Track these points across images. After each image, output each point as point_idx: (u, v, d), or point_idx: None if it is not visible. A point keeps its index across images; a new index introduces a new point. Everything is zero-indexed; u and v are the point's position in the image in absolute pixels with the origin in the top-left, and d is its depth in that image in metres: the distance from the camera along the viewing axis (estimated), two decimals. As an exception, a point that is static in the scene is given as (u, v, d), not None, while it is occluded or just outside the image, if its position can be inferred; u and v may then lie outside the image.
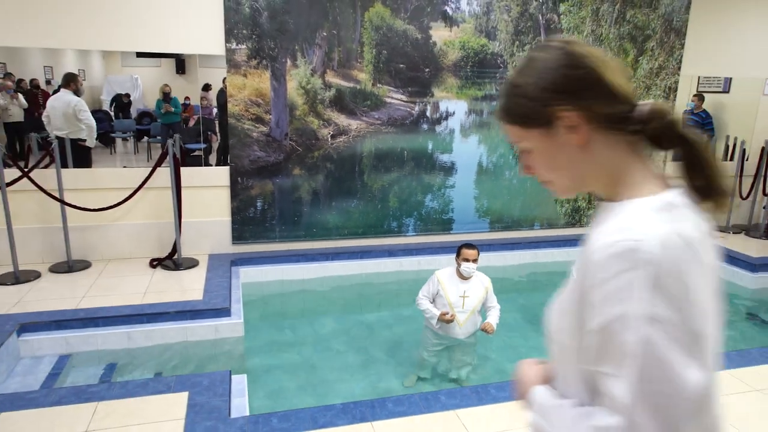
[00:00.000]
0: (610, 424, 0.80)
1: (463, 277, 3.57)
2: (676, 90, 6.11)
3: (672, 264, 0.79)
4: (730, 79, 6.77)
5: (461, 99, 5.60)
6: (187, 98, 5.49)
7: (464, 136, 5.67)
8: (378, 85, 5.30)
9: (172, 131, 5.55)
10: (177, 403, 2.75)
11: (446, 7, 5.31)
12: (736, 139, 6.76)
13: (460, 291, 3.55)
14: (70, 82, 4.83)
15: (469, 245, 3.56)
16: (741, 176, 6.44)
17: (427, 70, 5.41)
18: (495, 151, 5.78)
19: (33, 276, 4.40)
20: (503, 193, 5.88)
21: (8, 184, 4.28)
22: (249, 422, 2.62)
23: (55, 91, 4.93)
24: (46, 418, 2.59)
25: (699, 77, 7.15)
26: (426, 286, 3.66)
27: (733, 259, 5.51)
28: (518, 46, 5.57)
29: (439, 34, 5.36)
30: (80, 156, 4.96)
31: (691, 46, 6.02)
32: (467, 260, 3.51)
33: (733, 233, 6.46)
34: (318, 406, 2.80)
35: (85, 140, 5.00)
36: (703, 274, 0.82)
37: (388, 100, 5.37)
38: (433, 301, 3.62)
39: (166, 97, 5.35)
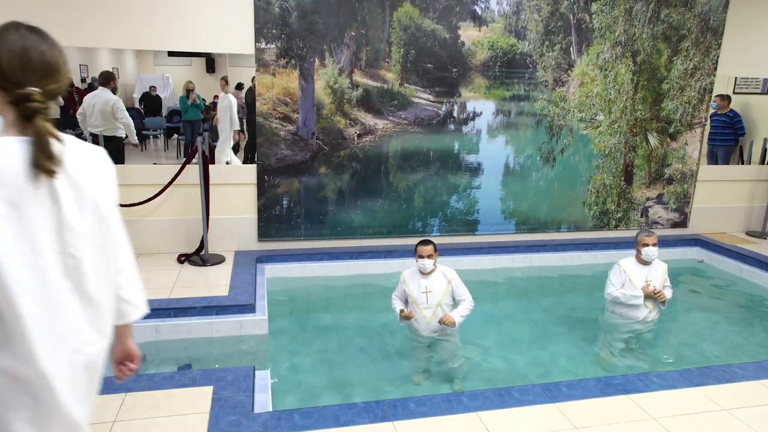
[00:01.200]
0: None
1: (423, 273, 3.65)
2: (711, 91, 5.95)
3: None
4: (769, 80, 6.57)
5: (489, 99, 5.55)
6: (216, 97, 5.57)
7: (491, 137, 5.62)
8: (405, 84, 5.29)
9: (195, 128, 5.66)
10: (202, 396, 2.79)
11: (475, 7, 5.27)
12: (774, 142, 6.55)
13: (422, 287, 3.65)
14: (109, 80, 4.95)
15: (423, 242, 3.67)
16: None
17: (454, 70, 5.38)
18: (522, 153, 5.72)
19: (66, 268, 4.52)
20: (530, 195, 5.81)
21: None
22: (272, 418, 2.64)
23: (87, 89, 5.07)
24: (77, 407, 2.66)
25: (736, 78, 6.96)
26: (398, 286, 3.81)
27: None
28: (548, 46, 5.50)
29: (468, 33, 5.32)
30: (113, 152, 5.09)
31: (728, 46, 5.85)
32: (422, 257, 3.62)
33: (770, 240, 6.26)
34: (340, 404, 2.81)
35: (122, 137, 5.12)
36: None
37: (415, 99, 5.36)
38: (406, 302, 3.75)
39: (189, 94, 5.45)
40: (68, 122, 5.14)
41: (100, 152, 1.50)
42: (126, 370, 1.71)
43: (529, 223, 5.87)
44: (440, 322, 3.53)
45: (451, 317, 3.52)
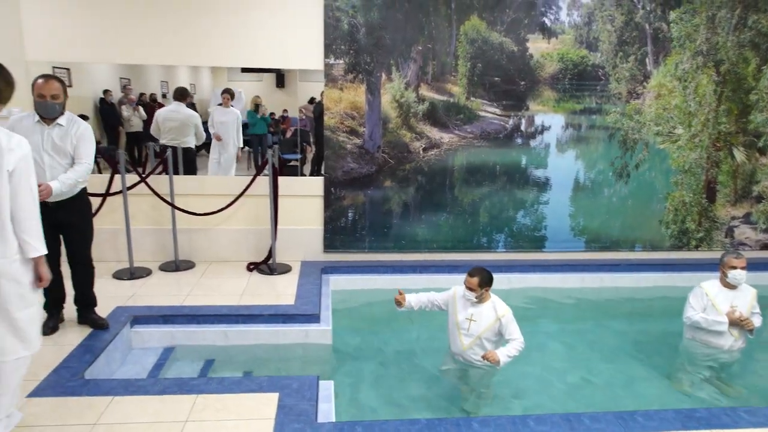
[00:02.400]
0: None
1: (475, 302, 3.47)
2: (805, 103, 5.51)
3: None
4: None
5: (558, 112, 5.41)
6: (284, 111, 5.75)
7: (560, 151, 5.46)
8: (472, 98, 5.26)
9: (262, 142, 5.86)
10: (267, 403, 2.85)
11: (545, 19, 5.17)
12: None
13: (468, 313, 3.48)
14: (185, 96, 5.22)
15: (471, 271, 3.47)
16: None
17: (522, 83, 5.29)
18: (593, 167, 5.51)
19: (145, 273, 4.78)
20: (601, 212, 5.58)
21: (128, 188, 4.70)
22: (335, 428, 2.66)
23: (160, 104, 5.36)
24: (152, 405, 2.79)
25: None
26: (443, 294, 3.67)
27: None
28: (622, 57, 5.30)
29: (537, 46, 5.23)
30: (188, 163, 5.34)
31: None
32: (467, 287, 3.44)
33: None
34: (403, 419, 2.78)
35: (194, 149, 5.37)
36: None
37: (482, 113, 5.31)
38: (440, 309, 3.65)
39: (257, 108, 5.64)
40: (150, 135, 5.44)
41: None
42: (39, 285, 2.44)
43: (601, 241, 5.64)
44: (483, 357, 3.31)
45: (497, 356, 3.26)
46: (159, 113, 5.22)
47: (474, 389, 3.50)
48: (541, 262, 5.48)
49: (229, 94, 5.40)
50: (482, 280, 3.41)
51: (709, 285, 3.90)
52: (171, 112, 5.20)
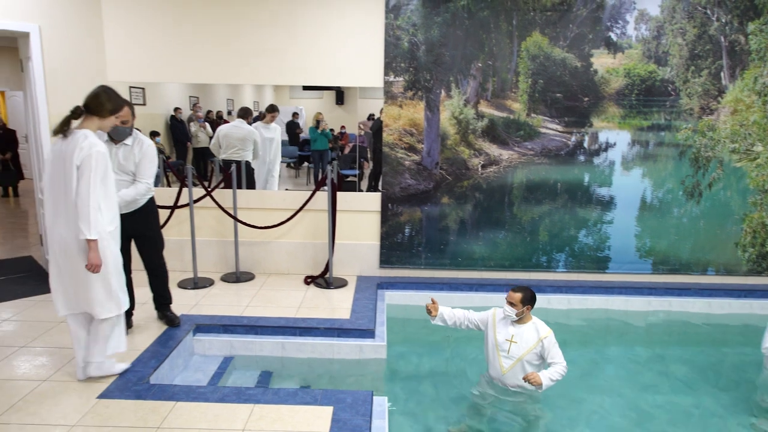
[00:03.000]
0: None
1: (515, 321, 3.36)
2: None
3: None
4: None
5: (624, 129, 5.22)
6: (342, 127, 5.86)
7: (626, 169, 5.26)
8: (532, 114, 5.17)
9: (323, 157, 5.98)
10: (322, 416, 2.86)
11: (610, 33, 5.03)
12: None
13: (508, 334, 3.37)
14: (247, 115, 5.43)
15: (515, 288, 3.38)
16: None
17: (586, 99, 5.15)
18: (662, 186, 5.27)
19: (208, 283, 4.96)
20: (670, 233, 5.31)
21: (195, 201, 4.91)
22: (388, 446, 2.63)
23: (225, 121, 5.58)
24: (212, 412, 2.86)
25: None
26: (481, 314, 3.59)
27: None
28: (694, 72, 5.06)
29: (602, 61, 5.08)
30: (250, 178, 5.53)
31: None
32: (508, 301, 3.36)
33: None
34: (457, 439, 2.72)
35: (250, 162, 5.57)
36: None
37: (543, 130, 5.21)
38: (478, 329, 3.59)
39: (318, 124, 5.77)
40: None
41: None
42: (87, 267, 2.84)
43: (669, 264, 5.35)
44: (525, 379, 3.19)
45: (539, 378, 3.15)
46: (221, 129, 5.45)
47: (514, 416, 3.38)
48: (604, 283, 5.27)
49: (275, 111, 5.55)
50: (525, 297, 3.34)
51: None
52: (233, 128, 5.42)
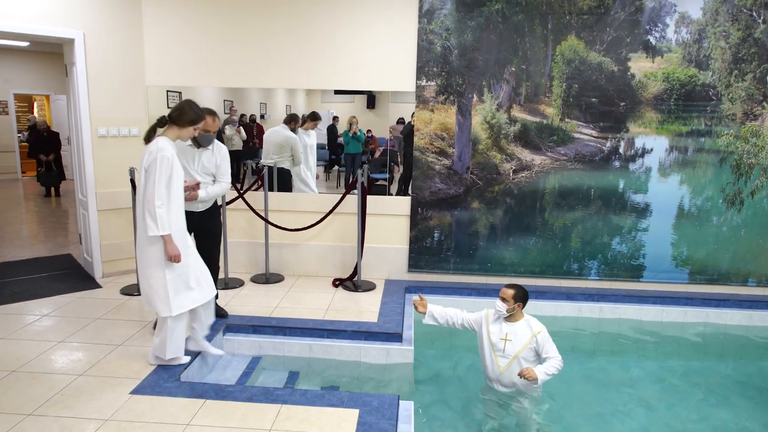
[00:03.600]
0: None
1: (508, 319, 3.37)
2: None
3: None
4: None
5: (662, 134, 5.09)
6: (368, 131, 5.87)
7: (663, 175, 5.12)
8: (566, 119, 5.08)
9: (355, 161, 6.00)
10: (348, 418, 2.86)
11: (649, 37, 4.91)
12: None
13: (502, 333, 3.38)
14: (291, 121, 5.49)
15: (508, 285, 3.41)
16: None
17: (622, 103, 5.04)
18: (700, 194, 5.11)
19: (238, 284, 5.03)
20: (708, 242, 5.14)
21: (228, 203, 4.99)
22: (414, 451, 2.61)
23: (258, 125, 5.64)
24: (240, 411, 2.90)
25: None
26: (474, 315, 3.61)
27: None
28: (737, 76, 4.90)
29: (639, 65, 4.97)
30: (283, 181, 5.59)
31: None
32: (500, 297, 3.37)
33: None
34: (484, 448, 2.68)
35: (289, 169, 5.62)
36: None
37: (577, 135, 5.11)
38: (480, 338, 3.54)
39: (350, 127, 5.79)
40: (249, 153, 5.77)
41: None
42: (168, 259, 3.10)
43: (707, 273, 5.18)
44: (520, 374, 3.19)
45: (534, 372, 3.17)
46: (266, 133, 5.54)
47: (501, 414, 3.38)
48: (637, 292, 5.13)
49: (318, 119, 5.59)
50: (517, 294, 3.37)
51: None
52: (273, 132, 5.47)
